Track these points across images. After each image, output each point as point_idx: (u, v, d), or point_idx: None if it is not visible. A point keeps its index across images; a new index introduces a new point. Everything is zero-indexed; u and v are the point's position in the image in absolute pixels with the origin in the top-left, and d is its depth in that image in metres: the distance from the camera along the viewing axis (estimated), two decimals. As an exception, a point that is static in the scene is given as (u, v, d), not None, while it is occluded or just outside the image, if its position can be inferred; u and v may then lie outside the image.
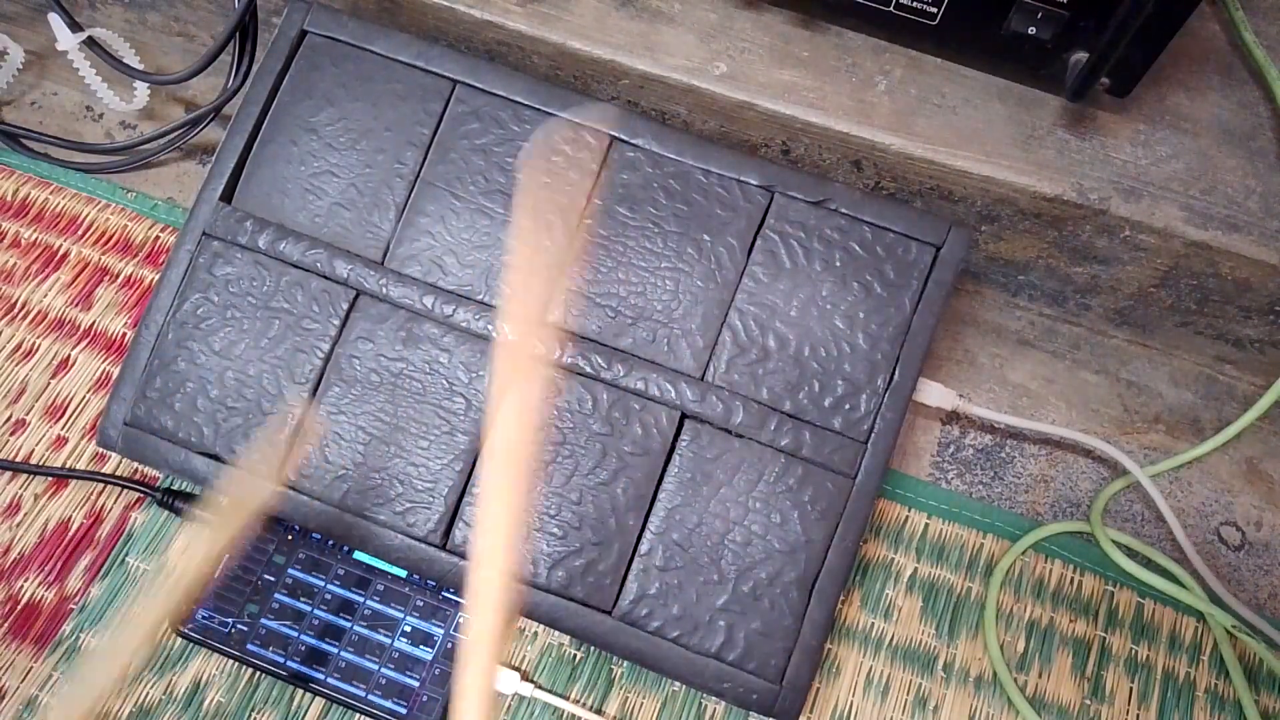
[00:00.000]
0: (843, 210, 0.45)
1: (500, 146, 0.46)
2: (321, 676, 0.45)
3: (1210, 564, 0.50)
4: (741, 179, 0.45)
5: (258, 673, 0.46)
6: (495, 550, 0.33)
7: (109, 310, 0.54)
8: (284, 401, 0.44)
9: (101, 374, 0.53)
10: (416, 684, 0.45)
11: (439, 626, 0.46)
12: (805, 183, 0.45)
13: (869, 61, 0.49)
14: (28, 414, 0.52)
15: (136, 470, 0.50)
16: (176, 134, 0.56)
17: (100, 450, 0.50)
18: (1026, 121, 0.48)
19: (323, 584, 0.47)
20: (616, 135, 0.46)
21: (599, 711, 0.46)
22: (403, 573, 0.47)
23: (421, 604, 0.46)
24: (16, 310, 0.54)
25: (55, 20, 0.52)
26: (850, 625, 0.49)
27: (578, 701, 0.46)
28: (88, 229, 0.56)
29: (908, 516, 0.51)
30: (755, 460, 0.43)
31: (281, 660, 0.45)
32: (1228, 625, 0.47)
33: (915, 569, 0.50)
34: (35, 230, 0.56)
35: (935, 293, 0.44)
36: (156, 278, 0.55)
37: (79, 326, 0.54)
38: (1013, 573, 0.50)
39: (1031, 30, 0.43)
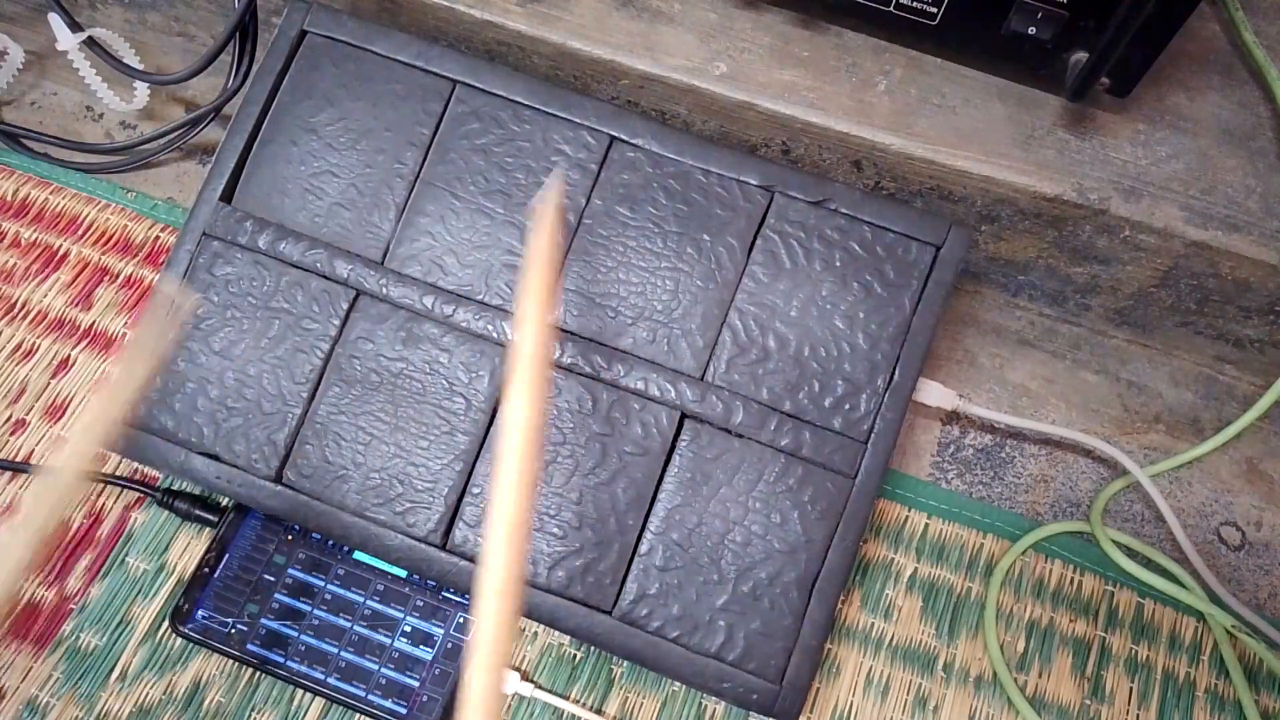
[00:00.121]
0: (843, 210, 0.45)
1: (500, 146, 0.46)
2: (321, 676, 0.45)
3: (1210, 564, 0.50)
4: (741, 179, 0.45)
5: (258, 673, 0.46)
6: (504, 552, 0.33)
7: (109, 310, 0.54)
8: (284, 401, 0.44)
9: (101, 374, 0.53)
10: (416, 684, 0.45)
11: (439, 626, 0.46)
12: (805, 183, 0.45)
13: (869, 61, 0.49)
14: (28, 414, 0.52)
15: (136, 470, 0.50)
16: (176, 134, 0.56)
17: (100, 450, 0.50)
18: (1026, 121, 0.48)
19: (323, 584, 0.47)
20: (616, 135, 0.46)
21: (599, 711, 0.46)
22: (403, 573, 0.47)
23: (421, 604, 0.46)
24: (16, 310, 0.54)
25: (55, 20, 0.52)
26: (850, 625, 0.49)
27: (578, 701, 0.46)
28: (88, 229, 0.56)
29: (908, 516, 0.51)
30: (755, 460, 0.43)
31: (281, 660, 0.45)
32: (1228, 625, 0.47)
33: (915, 569, 0.50)
34: (35, 230, 0.56)
35: (935, 293, 0.44)
36: (156, 278, 0.55)
37: (79, 326, 0.54)
38: (1013, 573, 0.50)
39: (1031, 30, 0.43)
